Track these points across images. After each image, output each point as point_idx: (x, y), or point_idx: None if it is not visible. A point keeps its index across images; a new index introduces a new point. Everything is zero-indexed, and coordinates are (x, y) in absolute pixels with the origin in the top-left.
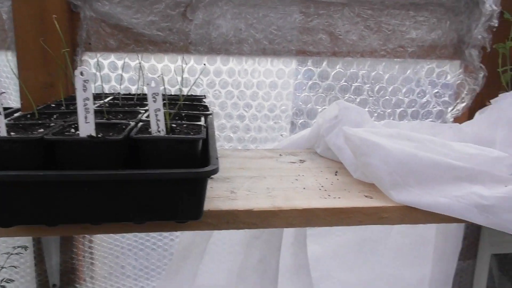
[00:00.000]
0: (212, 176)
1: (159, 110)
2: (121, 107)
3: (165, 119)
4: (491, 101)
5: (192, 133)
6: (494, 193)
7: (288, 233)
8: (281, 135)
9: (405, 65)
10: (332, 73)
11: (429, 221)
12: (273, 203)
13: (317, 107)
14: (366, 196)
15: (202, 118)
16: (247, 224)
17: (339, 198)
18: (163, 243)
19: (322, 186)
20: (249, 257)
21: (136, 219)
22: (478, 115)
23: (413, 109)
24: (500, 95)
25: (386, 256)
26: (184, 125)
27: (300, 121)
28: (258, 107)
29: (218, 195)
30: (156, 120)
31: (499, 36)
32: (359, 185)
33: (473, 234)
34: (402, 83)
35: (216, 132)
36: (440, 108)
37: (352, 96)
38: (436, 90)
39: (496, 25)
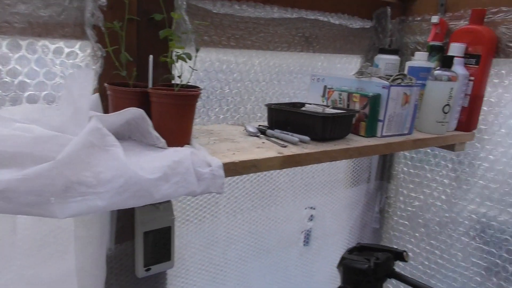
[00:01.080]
0: None
1: None
2: None
3: None
4: (63, 81)
5: None
6: (13, 176)
7: None
8: None
9: (17, 43)
10: None
11: None
12: None
13: None
14: None
15: None
16: None
17: None
18: None
19: None
20: None
21: None
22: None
23: (46, 92)
24: (69, 74)
25: (18, 258)
26: None
27: None
28: None
29: None
30: None
31: (114, 15)
32: None
33: (127, 215)
34: (19, 63)
35: None
36: None
37: None
38: (70, 71)
39: (105, 4)
